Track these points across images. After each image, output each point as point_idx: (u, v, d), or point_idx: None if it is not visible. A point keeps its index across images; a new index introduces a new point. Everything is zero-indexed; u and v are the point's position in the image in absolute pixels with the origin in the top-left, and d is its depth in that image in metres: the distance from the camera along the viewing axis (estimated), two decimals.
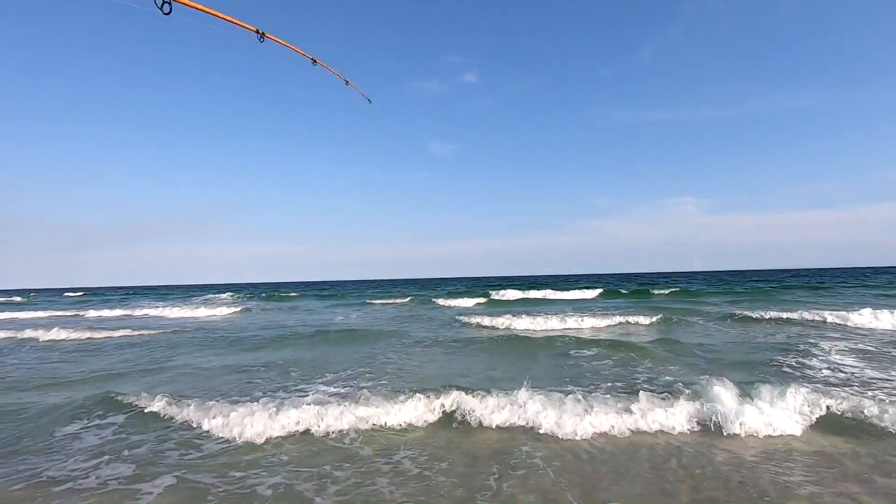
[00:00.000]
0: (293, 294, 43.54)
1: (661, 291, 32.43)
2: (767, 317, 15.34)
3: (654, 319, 15.98)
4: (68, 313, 28.01)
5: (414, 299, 30.66)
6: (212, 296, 44.30)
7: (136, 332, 15.95)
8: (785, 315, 15.40)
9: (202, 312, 25.41)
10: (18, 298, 52.71)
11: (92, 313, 27.29)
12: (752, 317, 15.52)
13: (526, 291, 33.33)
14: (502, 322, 15.85)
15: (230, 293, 46.79)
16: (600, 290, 33.05)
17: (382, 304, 29.50)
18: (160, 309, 27.83)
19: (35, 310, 31.97)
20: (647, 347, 10.17)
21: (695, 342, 11.09)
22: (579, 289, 35.29)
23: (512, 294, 32.09)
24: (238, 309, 27.00)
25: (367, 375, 8.38)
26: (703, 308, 20.02)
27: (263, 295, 42.45)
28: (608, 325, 15.40)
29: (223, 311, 25.79)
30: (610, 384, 7.24)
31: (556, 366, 8.90)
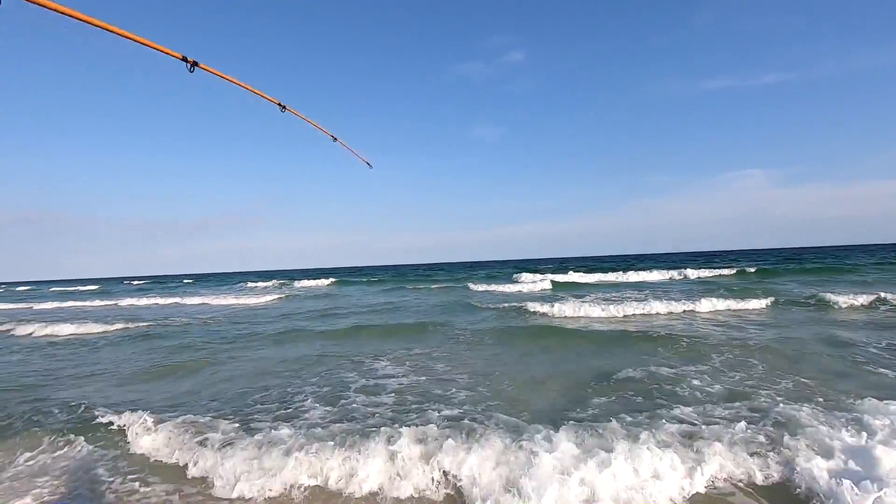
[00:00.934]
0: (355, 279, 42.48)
1: (729, 271, 28.35)
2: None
3: (763, 304, 12.92)
4: (106, 302, 27.95)
5: (450, 287, 28.16)
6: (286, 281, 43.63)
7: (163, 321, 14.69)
8: None
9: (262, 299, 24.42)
10: (93, 287, 55.04)
11: (144, 301, 27.12)
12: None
13: (590, 274, 30.25)
14: (579, 310, 13.28)
15: (327, 278, 45.03)
16: (671, 272, 29.37)
17: (436, 287, 27.46)
18: (206, 297, 27.28)
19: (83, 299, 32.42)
20: (810, 350, 7.39)
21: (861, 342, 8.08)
22: (644, 269, 31.72)
23: (577, 276, 29.12)
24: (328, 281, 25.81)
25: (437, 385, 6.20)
26: (798, 290, 16.42)
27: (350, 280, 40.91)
28: (712, 312, 12.51)
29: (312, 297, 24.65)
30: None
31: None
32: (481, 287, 25.58)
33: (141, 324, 14.87)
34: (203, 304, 24.30)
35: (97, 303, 28.59)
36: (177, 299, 27.27)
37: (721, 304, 13.16)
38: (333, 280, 39.72)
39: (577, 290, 21.86)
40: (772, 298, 13.54)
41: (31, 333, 13.99)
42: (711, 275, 27.89)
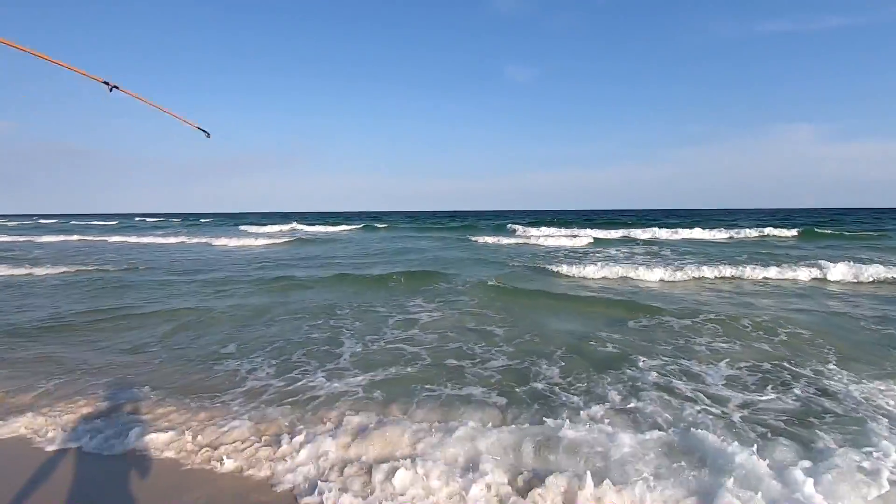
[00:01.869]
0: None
1: (788, 233, 24.04)
2: None
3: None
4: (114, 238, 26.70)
5: (453, 235, 25.01)
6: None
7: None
8: None
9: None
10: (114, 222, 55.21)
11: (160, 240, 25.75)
12: None
13: (628, 230, 26.47)
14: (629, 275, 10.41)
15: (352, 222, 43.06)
16: (718, 230, 25.22)
17: (440, 236, 24.74)
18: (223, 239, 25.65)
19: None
20: None
21: None
22: (686, 227, 27.45)
23: (614, 232, 25.49)
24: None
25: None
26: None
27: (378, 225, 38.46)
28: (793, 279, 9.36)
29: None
30: None
31: None
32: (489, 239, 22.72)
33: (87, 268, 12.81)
34: (205, 243, 22.58)
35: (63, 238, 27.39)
36: (160, 240, 25.60)
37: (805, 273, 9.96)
38: (354, 227, 37.35)
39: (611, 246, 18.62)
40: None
41: None
42: (776, 234, 23.85)
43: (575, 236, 23.40)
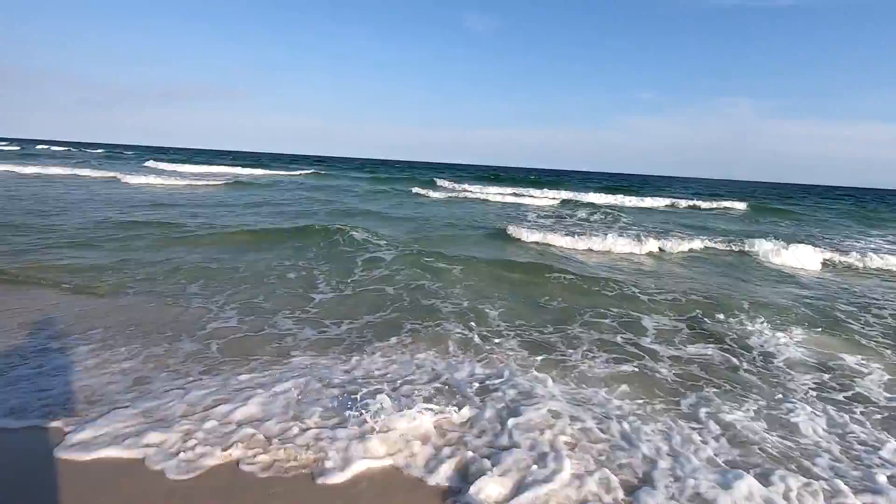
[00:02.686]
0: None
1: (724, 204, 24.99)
2: None
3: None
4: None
5: (400, 188, 24.06)
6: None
7: None
8: None
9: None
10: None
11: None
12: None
13: (597, 193, 25.71)
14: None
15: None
16: (670, 200, 25.68)
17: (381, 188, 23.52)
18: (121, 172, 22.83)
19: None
20: None
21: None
22: (638, 195, 27.73)
23: (585, 196, 24.67)
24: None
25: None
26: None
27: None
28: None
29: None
30: None
31: None
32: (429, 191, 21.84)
33: None
34: (113, 177, 20.03)
35: None
36: (56, 170, 22.50)
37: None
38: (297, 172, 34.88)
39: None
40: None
41: None
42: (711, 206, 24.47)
43: (520, 195, 22.94)
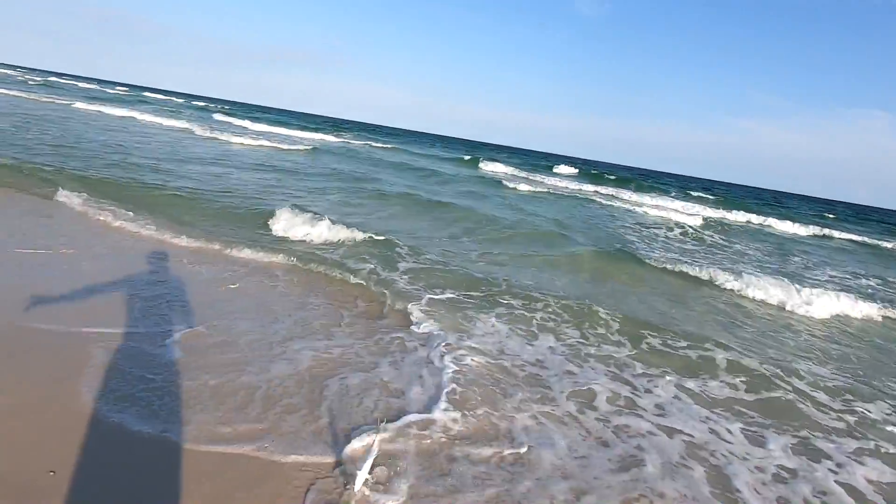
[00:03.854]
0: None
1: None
2: None
3: None
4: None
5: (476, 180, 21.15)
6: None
7: None
8: None
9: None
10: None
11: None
12: None
13: (737, 211, 21.26)
14: None
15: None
16: (819, 227, 21.04)
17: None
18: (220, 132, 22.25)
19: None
20: None
21: None
22: (778, 215, 23.09)
23: (726, 214, 20.62)
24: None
25: None
26: None
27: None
28: None
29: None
30: None
31: None
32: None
33: None
34: (211, 137, 19.25)
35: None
36: (147, 117, 22.18)
37: None
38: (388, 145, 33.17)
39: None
40: None
41: None
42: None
43: (639, 204, 19.46)
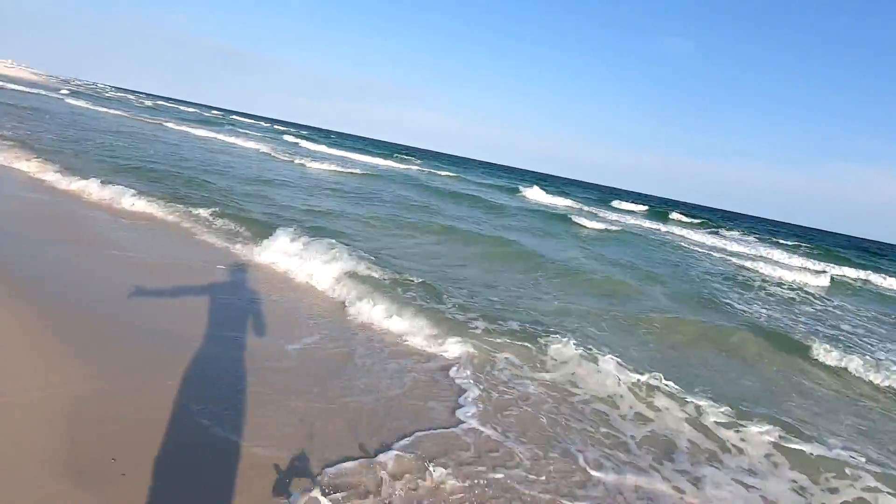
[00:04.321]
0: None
1: None
2: None
3: None
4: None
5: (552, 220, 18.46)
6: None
7: None
8: None
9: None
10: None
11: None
12: None
13: (861, 270, 17.91)
14: None
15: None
16: None
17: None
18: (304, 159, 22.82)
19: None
20: None
21: None
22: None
23: (854, 271, 17.57)
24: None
25: None
26: None
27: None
28: None
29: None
30: None
31: None
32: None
33: None
34: (291, 160, 19.62)
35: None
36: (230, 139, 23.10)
37: None
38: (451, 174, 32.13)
39: None
40: None
41: None
42: None
43: (744, 257, 17.34)
